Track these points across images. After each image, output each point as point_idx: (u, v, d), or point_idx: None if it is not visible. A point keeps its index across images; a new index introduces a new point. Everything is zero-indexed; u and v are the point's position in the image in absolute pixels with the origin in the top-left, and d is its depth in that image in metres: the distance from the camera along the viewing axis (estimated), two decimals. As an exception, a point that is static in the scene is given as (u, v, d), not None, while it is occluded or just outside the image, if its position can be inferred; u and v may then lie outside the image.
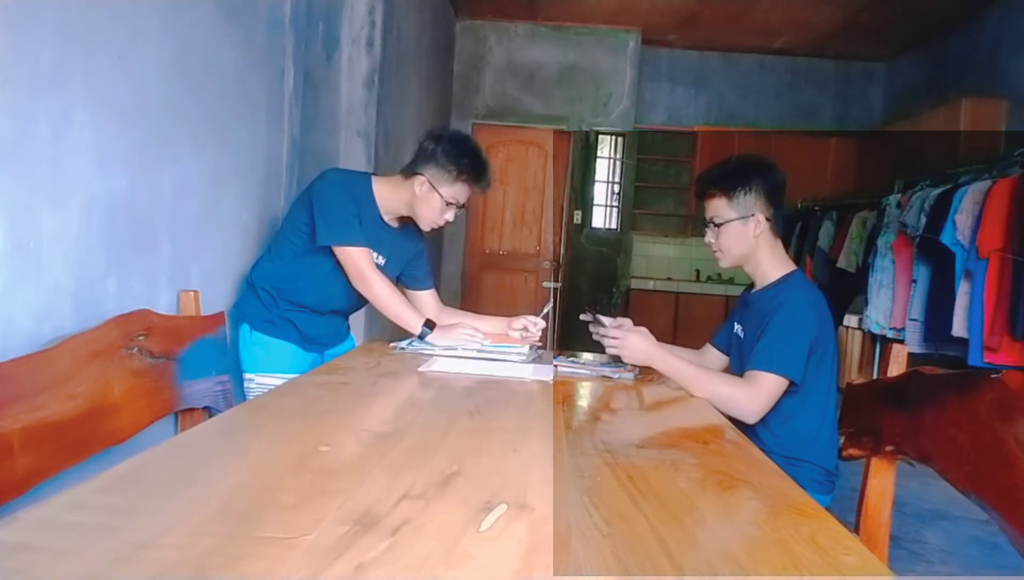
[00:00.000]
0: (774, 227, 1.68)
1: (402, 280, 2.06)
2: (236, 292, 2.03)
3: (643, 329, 1.69)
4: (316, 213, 1.82)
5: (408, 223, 1.97)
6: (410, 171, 1.86)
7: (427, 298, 2.11)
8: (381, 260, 1.94)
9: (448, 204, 1.86)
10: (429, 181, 1.83)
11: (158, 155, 1.59)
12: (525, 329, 1.98)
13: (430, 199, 1.85)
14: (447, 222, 1.92)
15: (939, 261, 3.71)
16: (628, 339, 1.63)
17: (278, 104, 2.26)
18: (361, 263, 1.84)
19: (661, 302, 6.13)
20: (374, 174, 1.98)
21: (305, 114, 2.50)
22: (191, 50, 1.70)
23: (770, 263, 1.69)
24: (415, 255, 2.07)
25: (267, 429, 1.12)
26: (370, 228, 1.89)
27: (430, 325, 1.88)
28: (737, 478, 0.98)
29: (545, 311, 2.01)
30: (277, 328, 1.90)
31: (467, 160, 1.84)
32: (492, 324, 2.06)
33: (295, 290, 1.90)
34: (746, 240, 1.66)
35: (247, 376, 1.91)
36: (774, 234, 1.69)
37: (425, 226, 1.93)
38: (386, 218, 1.94)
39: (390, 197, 1.91)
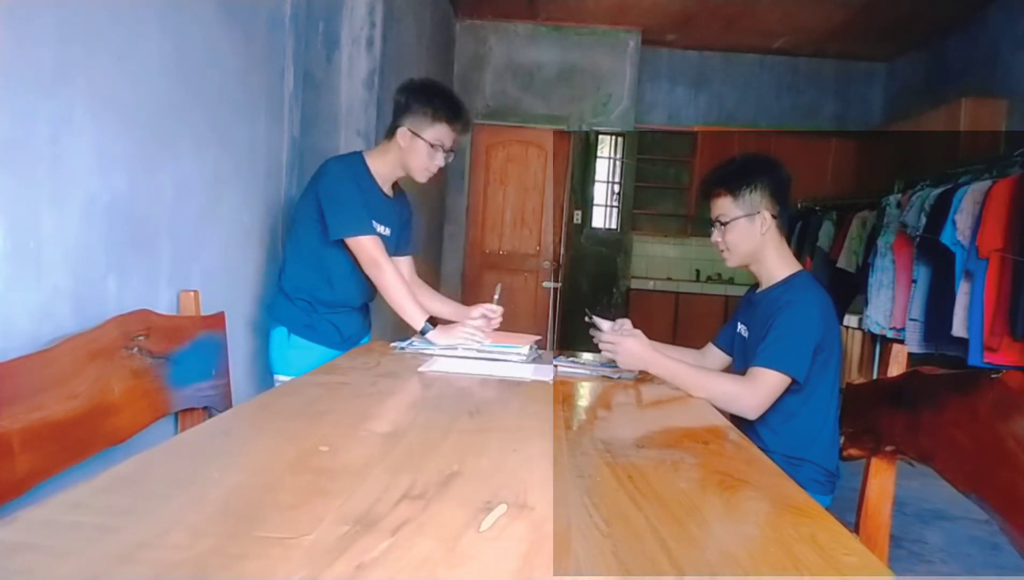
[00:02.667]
0: (780, 225, 1.68)
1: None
2: (236, 292, 2.03)
3: (638, 332, 1.68)
4: (325, 208, 1.86)
5: (399, 191, 2.03)
6: (391, 130, 1.92)
7: (403, 263, 2.14)
8: (387, 231, 1.98)
9: (433, 147, 1.90)
10: (410, 130, 1.88)
11: (158, 155, 1.59)
12: (484, 317, 1.98)
13: (415, 147, 1.89)
14: (439, 169, 1.95)
15: (939, 261, 3.70)
16: (623, 344, 1.63)
17: (278, 104, 2.26)
18: (374, 251, 1.87)
19: (661, 302, 6.13)
20: (365, 150, 2.02)
21: (305, 114, 2.50)
22: (191, 50, 1.70)
23: (776, 262, 1.69)
24: (405, 223, 2.12)
25: (267, 429, 1.12)
26: (375, 204, 1.93)
27: (432, 322, 1.90)
28: (737, 478, 0.98)
29: (497, 296, 2.02)
30: (317, 332, 1.94)
31: (439, 99, 1.89)
32: (450, 308, 2.09)
33: (331, 290, 1.94)
34: (753, 238, 1.66)
35: (280, 378, 1.94)
36: (780, 233, 1.69)
37: (420, 176, 1.95)
38: (384, 189, 1.99)
39: (383, 164, 1.96)
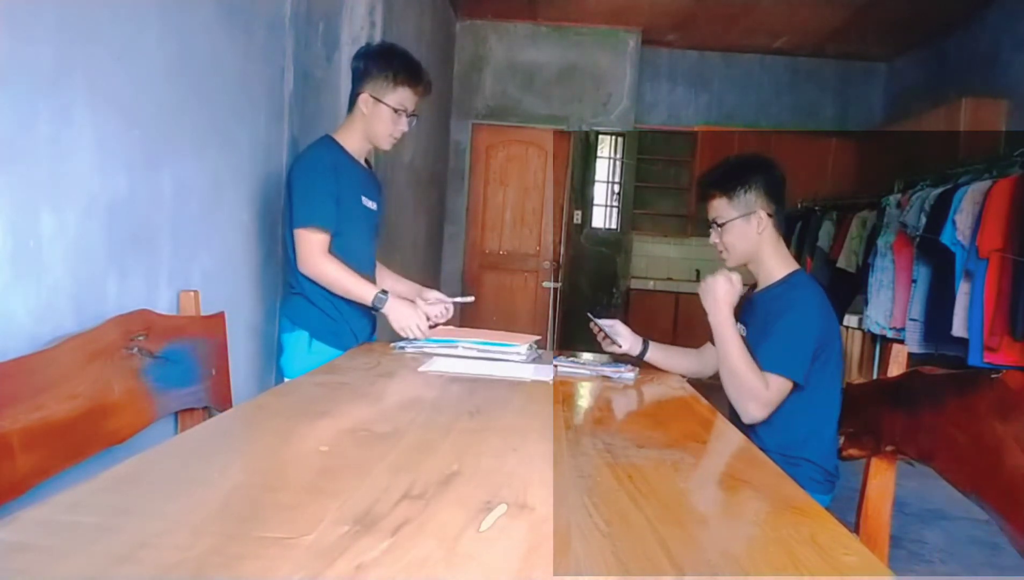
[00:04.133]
0: (777, 224, 1.69)
1: None
2: (236, 292, 2.03)
3: (732, 276, 1.66)
4: (292, 199, 1.86)
5: (369, 166, 2.03)
6: (352, 98, 1.90)
7: None
8: (374, 205, 2.00)
9: (396, 111, 1.88)
10: (371, 96, 1.86)
11: (158, 155, 1.59)
12: (440, 300, 1.99)
13: (378, 113, 1.87)
14: (403, 134, 1.94)
15: (939, 261, 3.70)
16: (711, 281, 1.64)
17: (278, 104, 2.26)
18: (312, 247, 1.83)
19: (661, 302, 6.13)
20: (332, 132, 2.00)
21: (305, 114, 2.50)
22: (191, 50, 1.70)
23: (774, 261, 1.69)
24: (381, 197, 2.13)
25: (267, 429, 1.12)
26: (359, 180, 1.93)
27: (386, 293, 1.88)
28: (737, 478, 0.98)
29: (460, 299, 2.06)
30: (340, 338, 1.92)
31: (399, 62, 1.87)
32: (406, 286, 2.10)
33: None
34: (750, 237, 1.67)
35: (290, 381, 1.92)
36: (777, 232, 1.70)
37: (385, 144, 1.94)
38: (363, 164, 1.99)
39: (353, 139, 1.94)
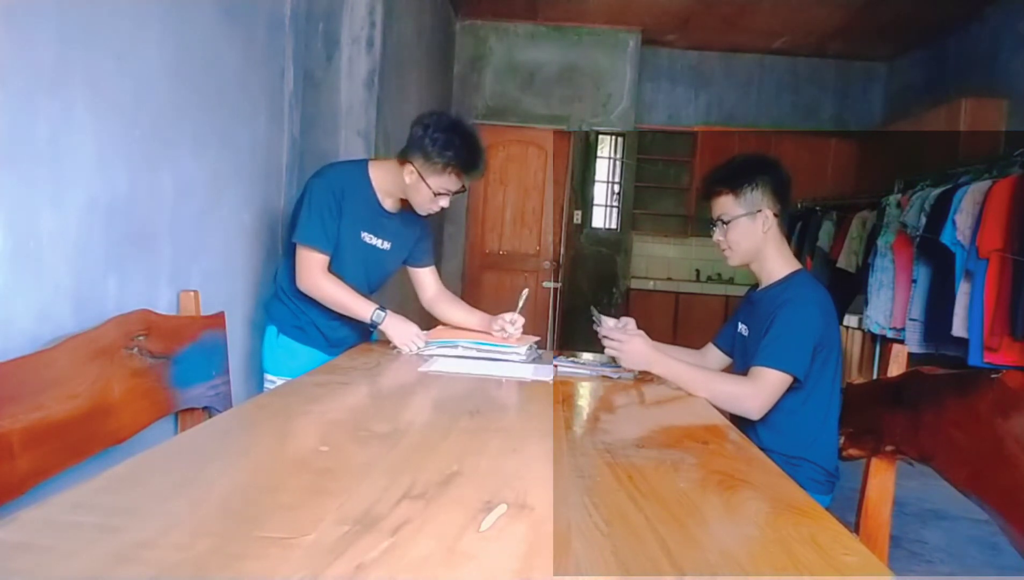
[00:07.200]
0: (781, 224, 1.69)
1: (404, 260, 2.08)
2: (235, 292, 2.03)
3: (642, 333, 1.69)
4: (300, 209, 1.84)
5: (408, 206, 1.94)
6: (402, 157, 1.82)
7: (426, 275, 2.13)
8: (386, 245, 1.94)
9: (437, 194, 1.81)
10: (417, 170, 1.78)
11: (158, 155, 1.59)
12: (503, 329, 1.93)
13: (419, 188, 1.80)
14: (442, 208, 1.88)
15: (939, 261, 3.70)
16: (628, 344, 1.64)
17: (278, 104, 2.26)
18: (312, 265, 1.82)
19: (661, 302, 6.13)
20: (372, 159, 1.98)
21: (305, 114, 2.50)
22: (191, 50, 1.70)
23: (776, 261, 1.69)
24: (419, 237, 2.08)
25: (267, 429, 1.12)
26: (368, 214, 1.89)
27: (384, 310, 1.87)
28: (737, 478, 0.98)
29: (521, 305, 1.96)
30: (306, 334, 1.92)
31: (452, 152, 1.75)
32: (476, 318, 2.05)
33: None
34: (755, 236, 1.67)
35: (269, 377, 1.94)
36: (781, 231, 1.70)
37: (420, 212, 1.90)
38: (386, 204, 1.92)
39: (386, 181, 1.89)
